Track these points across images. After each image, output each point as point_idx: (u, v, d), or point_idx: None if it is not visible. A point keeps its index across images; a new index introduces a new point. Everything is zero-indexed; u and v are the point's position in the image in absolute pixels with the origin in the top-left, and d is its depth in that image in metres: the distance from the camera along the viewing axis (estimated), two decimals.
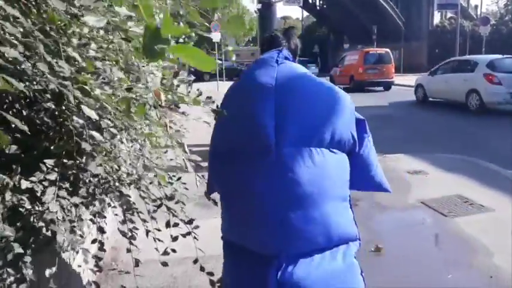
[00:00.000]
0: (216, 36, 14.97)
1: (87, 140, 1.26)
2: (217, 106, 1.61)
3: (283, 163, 1.38)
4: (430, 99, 13.07)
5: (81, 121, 1.17)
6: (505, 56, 11.24)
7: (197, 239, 1.92)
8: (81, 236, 1.59)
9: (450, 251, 3.20)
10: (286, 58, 1.58)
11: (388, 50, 19.46)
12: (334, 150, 1.45)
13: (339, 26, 42.32)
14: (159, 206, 1.84)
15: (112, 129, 1.48)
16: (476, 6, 44.24)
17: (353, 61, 18.88)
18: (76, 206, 1.54)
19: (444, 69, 12.56)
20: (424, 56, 33.58)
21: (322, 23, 46.91)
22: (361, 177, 1.63)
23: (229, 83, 3.41)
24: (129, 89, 1.23)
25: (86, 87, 0.96)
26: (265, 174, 1.39)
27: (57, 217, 1.29)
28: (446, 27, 33.85)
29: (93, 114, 1.01)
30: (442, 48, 30.94)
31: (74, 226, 1.51)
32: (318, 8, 44.79)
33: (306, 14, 50.84)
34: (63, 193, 1.36)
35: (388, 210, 4.02)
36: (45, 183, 1.38)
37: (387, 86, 17.99)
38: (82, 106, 1.00)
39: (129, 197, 1.96)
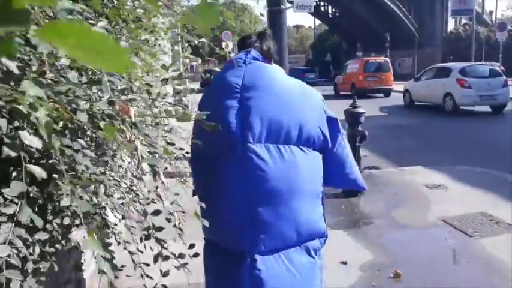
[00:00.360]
0: (228, 46, 14.85)
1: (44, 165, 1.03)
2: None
3: (250, 160, 1.41)
4: (416, 103, 14.25)
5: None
6: (475, 63, 13.08)
7: (190, 271, 1.69)
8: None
9: (476, 275, 2.89)
10: (255, 59, 1.59)
11: (387, 58, 20.74)
12: (303, 147, 1.49)
13: (351, 34, 42.04)
14: (146, 238, 1.61)
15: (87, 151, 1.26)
16: (491, 12, 43.63)
17: (354, 69, 19.76)
18: (43, 242, 1.32)
19: (426, 76, 13.84)
20: (438, 62, 33.05)
21: (334, 31, 46.70)
22: (336, 175, 1.67)
23: None
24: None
25: (21, 107, 0.72)
26: (233, 171, 1.44)
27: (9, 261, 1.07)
28: (461, 33, 33.32)
29: (35, 142, 0.78)
30: (457, 54, 30.40)
31: (39, 268, 1.29)
32: (330, 16, 44.59)
33: (318, 22, 50.68)
34: (20, 231, 1.14)
35: (406, 229, 3.72)
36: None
37: (387, 93, 18.85)
38: (19, 132, 0.77)
39: (115, 225, 1.73)
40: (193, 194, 1.67)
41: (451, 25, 36.28)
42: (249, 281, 1.45)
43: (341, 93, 20.11)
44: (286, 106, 1.49)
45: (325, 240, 1.62)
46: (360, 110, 4.52)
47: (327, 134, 1.57)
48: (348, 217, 4.02)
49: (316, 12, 41.02)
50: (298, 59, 73.55)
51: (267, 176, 1.43)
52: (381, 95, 19.04)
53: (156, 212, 1.40)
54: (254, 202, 1.44)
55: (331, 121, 1.61)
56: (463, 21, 36.03)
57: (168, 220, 1.35)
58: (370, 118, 10.43)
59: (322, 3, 42.64)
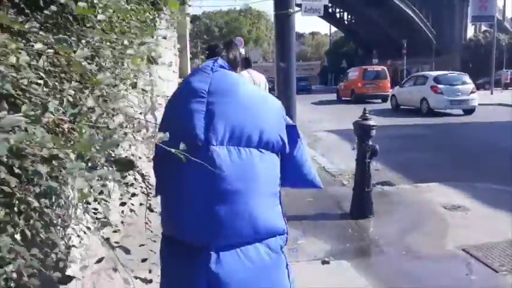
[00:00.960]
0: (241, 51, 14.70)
1: None
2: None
3: (211, 160, 1.51)
4: (401, 106, 16.42)
5: None
6: (448, 72, 15.76)
7: None
8: None
9: None
10: (221, 67, 1.70)
11: (384, 67, 22.99)
12: (263, 150, 1.61)
13: (367, 41, 41.44)
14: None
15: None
16: None
17: (354, 77, 21.87)
18: None
19: (409, 83, 16.43)
20: (457, 70, 32.25)
21: (350, 37, 46.16)
22: (295, 176, 1.83)
23: None
24: None
25: None
26: (195, 171, 1.50)
27: None
28: (481, 40, 32.50)
29: None
30: (476, 61, 29.60)
31: None
32: (345, 22, 44.06)
33: (335, 29, 50.17)
34: None
35: (421, 260, 3.26)
36: None
37: (384, 99, 20.21)
38: None
39: None
40: (156, 192, 1.74)
41: (470, 32, 35.42)
42: (204, 275, 1.53)
43: (343, 98, 22.41)
44: (249, 112, 1.62)
45: (286, 238, 1.71)
46: (371, 122, 4.08)
47: (286, 140, 1.71)
48: (354, 243, 3.58)
49: (331, 19, 40.61)
50: (314, 66, 73.19)
51: (226, 176, 1.53)
52: (379, 100, 20.60)
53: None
54: (213, 200, 1.53)
55: (290, 128, 1.75)
56: (483, 28, 35.12)
57: None
58: (409, 137, 10.24)
59: (337, 10, 42.17)
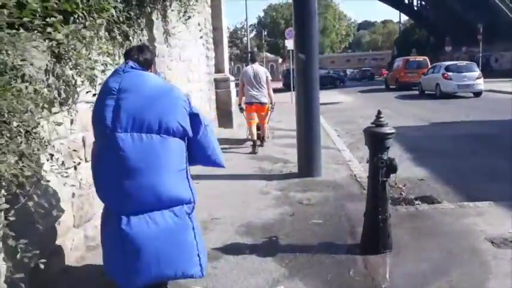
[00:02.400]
0: (291, 44, 13.95)
1: None
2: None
3: (117, 144, 2.16)
4: (425, 92, 19.08)
5: None
6: (457, 62, 19.42)
7: None
8: None
9: None
10: (132, 67, 2.34)
11: (425, 57, 25.00)
12: (164, 135, 2.22)
13: (439, 27, 38.24)
14: None
15: None
16: None
17: (398, 67, 24.64)
18: None
19: (430, 71, 19.34)
20: None
21: (420, 24, 42.95)
22: (201, 156, 2.47)
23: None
24: None
25: None
26: (107, 152, 2.21)
27: None
28: None
29: None
30: None
31: None
32: (415, 8, 41.02)
33: (407, 17, 47.07)
34: None
35: None
36: None
37: None
38: None
39: None
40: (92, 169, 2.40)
41: None
42: (118, 234, 2.21)
43: (390, 87, 25.25)
44: (150, 104, 2.22)
45: (193, 207, 2.42)
46: (387, 129, 3.10)
47: (187, 127, 2.33)
48: None
49: (400, 5, 37.98)
50: (384, 55, 69.69)
51: (129, 156, 2.16)
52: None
53: None
54: (120, 176, 2.18)
55: (193, 116, 2.39)
56: None
57: None
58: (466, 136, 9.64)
59: None
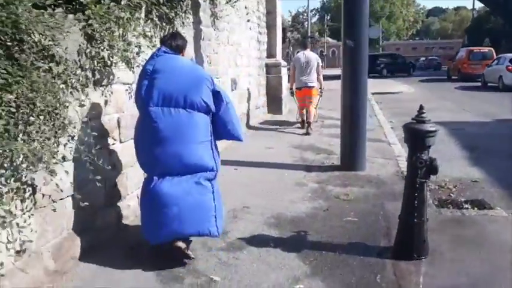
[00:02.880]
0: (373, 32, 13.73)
1: None
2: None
3: (150, 117, 2.64)
4: (488, 84, 18.69)
5: None
6: None
7: None
8: None
9: None
10: (165, 52, 2.80)
11: (491, 48, 24.50)
12: (189, 110, 2.67)
13: None
14: None
15: None
16: None
17: (461, 57, 23.96)
18: None
19: (494, 63, 19.02)
20: None
21: (495, 11, 39.80)
22: (222, 130, 2.87)
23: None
24: None
25: None
26: (143, 124, 2.73)
27: None
28: None
29: None
30: None
31: None
32: None
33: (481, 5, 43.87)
34: None
35: None
36: None
37: None
38: None
39: None
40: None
41: None
42: (149, 192, 2.72)
43: (452, 77, 24.88)
44: (178, 83, 2.68)
45: (215, 174, 2.83)
46: (428, 126, 2.83)
47: (210, 102, 2.74)
48: None
49: None
50: (454, 44, 65.64)
51: (159, 127, 2.63)
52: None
53: None
54: (152, 143, 2.66)
55: (216, 94, 2.80)
56: None
57: None
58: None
59: None
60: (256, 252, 3.06)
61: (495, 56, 22.55)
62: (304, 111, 7.86)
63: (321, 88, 7.98)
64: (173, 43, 2.85)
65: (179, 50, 2.89)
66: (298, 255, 3.01)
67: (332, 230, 3.43)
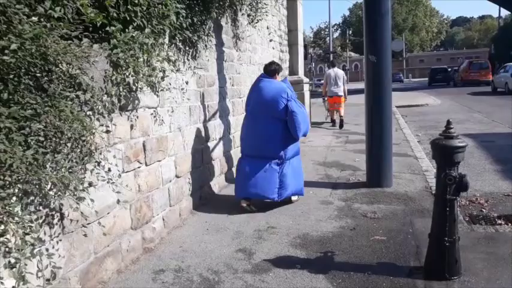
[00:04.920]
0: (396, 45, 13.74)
1: None
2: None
3: (248, 121, 4.53)
4: (498, 89, 21.78)
5: None
6: None
7: None
8: None
9: None
10: (264, 76, 4.50)
11: (487, 60, 30.70)
12: (274, 118, 4.30)
13: None
14: None
15: None
16: None
17: (464, 67, 29.72)
18: None
19: (501, 71, 22.19)
20: None
21: None
22: (292, 131, 4.33)
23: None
24: None
25: None
26: (245, 125, 4.58)
27: None
28: None
29: None
30: None
31: None
32: None
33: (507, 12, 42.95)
34: None
35: None
36: None
37: (487, 84, 25.80)
38: None
39: None
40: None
41: None
42: (241, 165, 4.56)
43: (457, 85, 30.27)
44: (265, 98, 4.32)
45: (283, 161, 4.40)
46: (457, 142, 2.76)
47: (283, 113, 4.27)
48: None
49: None
50: (480, 53, 64.30)
51: (258, 129, 4.38)
52: (484, 85, 26.25)
53: None
54: (248, 136, 4.49)
55: (288, 106, 4.25)
56: None
57: None
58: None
59: None
60: (283, 274, 3.02)
61: (490, 66, 28.88)
62: (334, 113, 11.19)
63: (345, 96, 10.98)
64: (268, 69, 4.54)
65: (273, 73, 4.52)
66: (326, 276, 2.95)
67: (360, 250, 3.35)
